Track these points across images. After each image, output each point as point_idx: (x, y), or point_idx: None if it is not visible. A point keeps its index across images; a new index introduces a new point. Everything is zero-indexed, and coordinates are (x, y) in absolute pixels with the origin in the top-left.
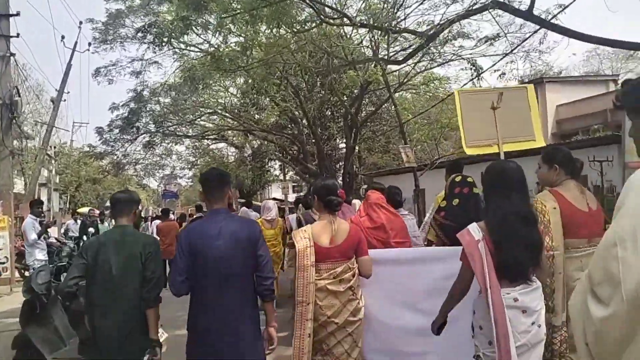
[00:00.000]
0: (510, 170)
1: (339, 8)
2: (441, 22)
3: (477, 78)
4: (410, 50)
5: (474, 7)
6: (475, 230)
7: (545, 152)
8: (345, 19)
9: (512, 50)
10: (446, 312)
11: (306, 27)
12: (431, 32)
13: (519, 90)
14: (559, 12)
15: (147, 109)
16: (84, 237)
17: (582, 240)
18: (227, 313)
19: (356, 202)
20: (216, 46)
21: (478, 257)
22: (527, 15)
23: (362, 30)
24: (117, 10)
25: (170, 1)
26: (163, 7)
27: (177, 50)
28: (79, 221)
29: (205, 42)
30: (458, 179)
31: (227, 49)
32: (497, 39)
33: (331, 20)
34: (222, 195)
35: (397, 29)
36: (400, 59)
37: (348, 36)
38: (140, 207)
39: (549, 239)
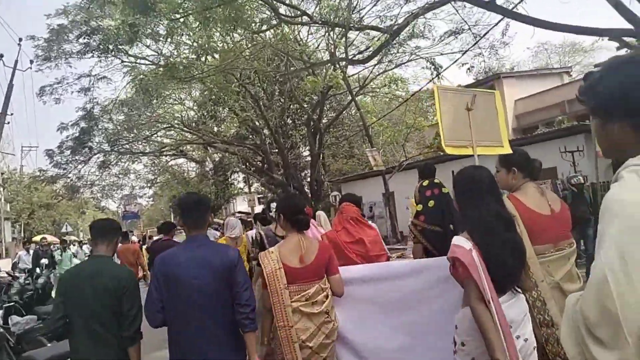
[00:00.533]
0: (480, 174)
1: (296, 6)
2: (404, 17)
3: (437, 77)
4: (370, 51)
5: (436, 1)
6: (462, 241)
7: (500, 154)
8: (304, 18)
9: (475, 43)
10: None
11: (263, 28)
12: (395, 27)
13: (489, 95)
14: (519, 2)
15: (100, 127)
16: (37, 269)
17: (547, 245)
18: (209, 345)
19: (320, 214)
20: (168, 55)
21: (475, 268)
22: (491, 6)
23: (319, 34)
24: (60, 26)
25: (114, 4)
26: (107, 13)
27: (127, 63)
28: (31, 251)
29: (156, 53)
30: (425, 183)
31: (180, 57)
32: (460, 33)
33: (290, 20)
34: (202, 223)
35: (359, 25)
36: (361, 59)
37: (305, 40)
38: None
39: None
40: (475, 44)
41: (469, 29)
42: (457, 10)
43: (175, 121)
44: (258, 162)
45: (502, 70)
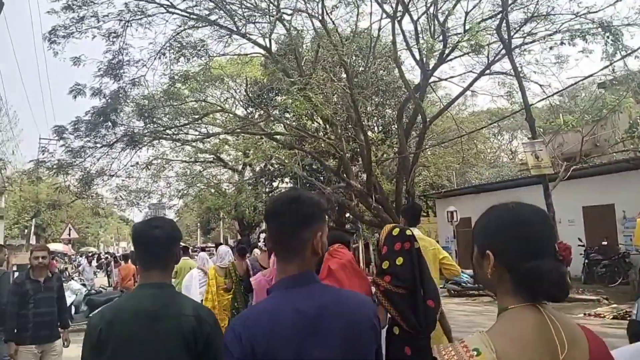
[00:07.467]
0: None
1: None
2: None
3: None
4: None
5: None
6: None
7: None
8: None
9: None
10: None
11: None
12: None
13: None
14: None
15: (129, 93)
16: None
17: None
18: None
19: (257, 252)
20: None
21: None
22: None
23: None
24: None
25: None
26: None
27: None
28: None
29: None
30: (396, 232)
31: None
32: None
33: None
34: (302, 246)
35: None
36: None
37: None
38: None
39: None
40: None
41: None
42: None
43: (227, 103)
44: (331, 164)
45: None
